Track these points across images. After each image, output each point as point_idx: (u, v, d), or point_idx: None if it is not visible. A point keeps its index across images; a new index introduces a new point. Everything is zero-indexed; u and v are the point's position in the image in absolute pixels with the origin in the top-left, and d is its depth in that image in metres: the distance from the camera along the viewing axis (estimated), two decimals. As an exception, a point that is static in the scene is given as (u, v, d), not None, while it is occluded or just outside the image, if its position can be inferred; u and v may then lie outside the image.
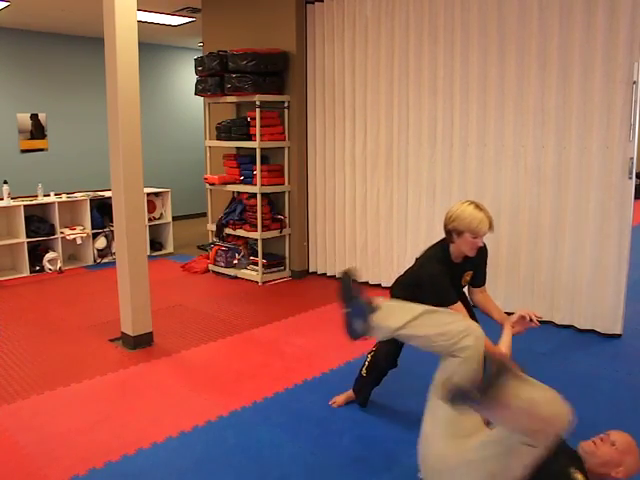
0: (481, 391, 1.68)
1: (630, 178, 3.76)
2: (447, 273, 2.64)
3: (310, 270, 5.78)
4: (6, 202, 5.75)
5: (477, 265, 2.82)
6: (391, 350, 2.86)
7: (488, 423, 2.05)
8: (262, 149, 5.34)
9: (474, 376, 1.99)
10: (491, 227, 2.57)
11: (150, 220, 6.77)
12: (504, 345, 2.53)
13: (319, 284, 5.48)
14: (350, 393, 3.05)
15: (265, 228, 5.47)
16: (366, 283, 5.31)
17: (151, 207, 6.83)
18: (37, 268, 5.94)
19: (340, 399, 3.06)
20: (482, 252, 2.78)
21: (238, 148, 5.80)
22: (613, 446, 1.94)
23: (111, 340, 4.00)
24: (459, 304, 2.65)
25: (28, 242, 5.81)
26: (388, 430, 2.79)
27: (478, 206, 2.59)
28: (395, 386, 3.15)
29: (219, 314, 4.57)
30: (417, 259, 2.85)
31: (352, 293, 2.23)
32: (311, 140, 5.57)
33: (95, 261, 6.39)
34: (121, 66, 3.57)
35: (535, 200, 4.18)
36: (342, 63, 5.20)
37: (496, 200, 4.36)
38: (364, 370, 2.97)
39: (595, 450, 1.95)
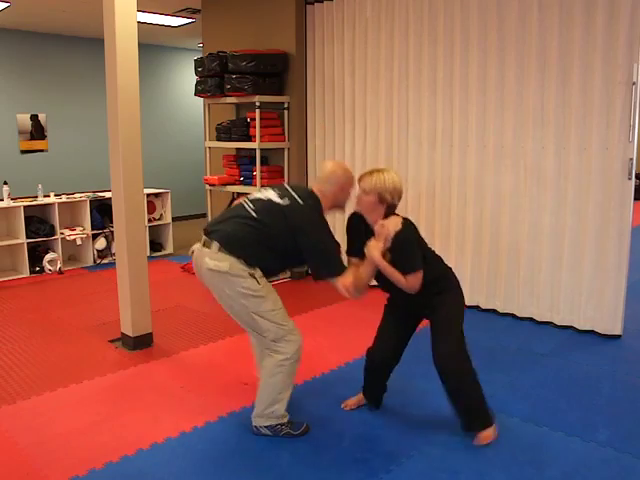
0: None
1: (630, 179, 3.76)
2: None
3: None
4: (6, 203, 5.75)
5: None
6: (382, 345, 2.84)
7: None
8: (262, 150, 5.34)
9: None
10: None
11: (150, 221, 6.77)
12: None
13: (318, 285, 5.43)
14: (361, 396, 3.04)
15: (265, 229, 5.46)
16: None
17: (151, 208, 6.83)
18: (37, 269, 5.94)
19: (352, 402, 3.03)
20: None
21: (238, 149, 5.80)
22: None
23: (111, 341, 4.00)
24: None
25: (28, 243, 5.81)
26: (388, 431, 2.79)
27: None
28: (395, 386, 3.15)
29: (219, 315, 4.55)
30: None
31: None
32: (311, 141, 5.57)
33: (95, 262, 6.39)
34: (121, 67, 3.57)
35: (535, 201, 4.18)
36: (342, 64, 5.20)
37: (496, 201, 4.36)
38: None
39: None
